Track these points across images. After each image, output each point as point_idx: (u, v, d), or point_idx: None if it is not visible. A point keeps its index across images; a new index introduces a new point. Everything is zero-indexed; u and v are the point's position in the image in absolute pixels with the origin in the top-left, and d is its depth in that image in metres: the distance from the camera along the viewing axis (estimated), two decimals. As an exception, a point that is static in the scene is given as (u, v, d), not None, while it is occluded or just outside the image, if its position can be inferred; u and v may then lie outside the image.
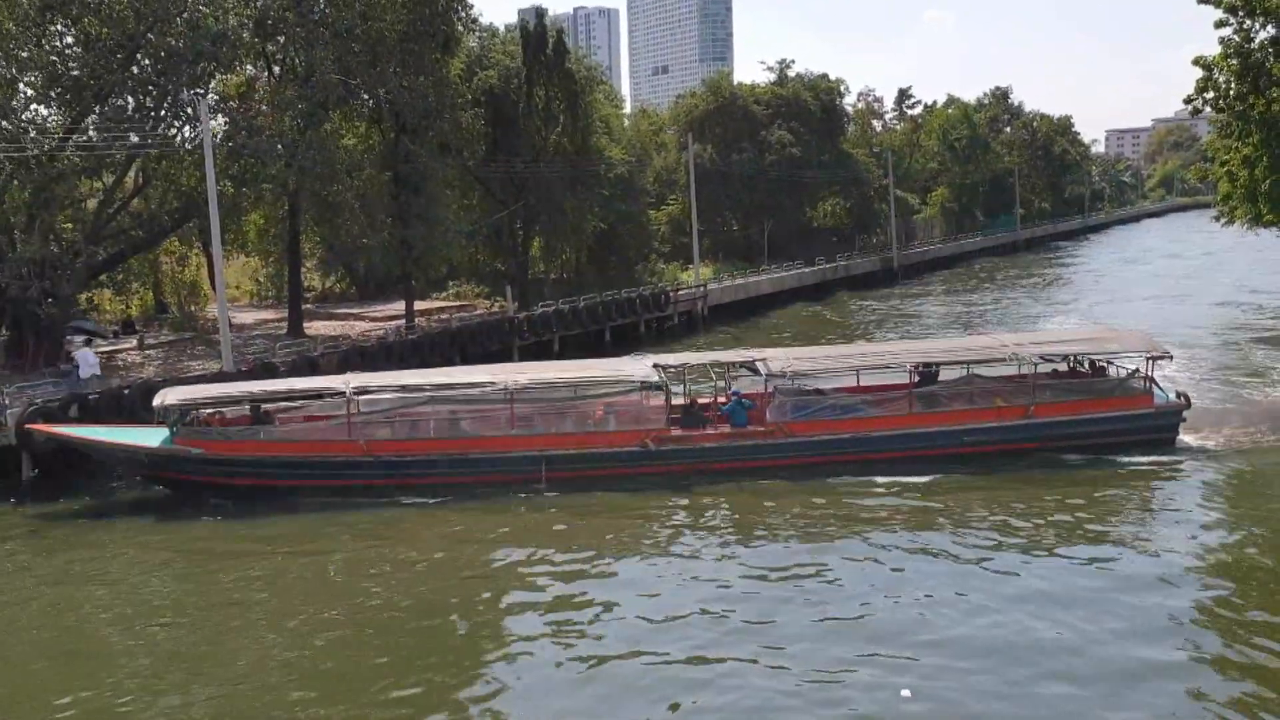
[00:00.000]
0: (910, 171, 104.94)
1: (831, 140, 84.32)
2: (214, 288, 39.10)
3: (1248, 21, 41.51)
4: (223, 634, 16.98)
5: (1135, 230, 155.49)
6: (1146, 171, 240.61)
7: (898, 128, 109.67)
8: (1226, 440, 25.71)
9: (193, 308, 48.17)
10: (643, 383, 25.45)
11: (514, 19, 63.60)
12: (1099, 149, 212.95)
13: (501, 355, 43.01)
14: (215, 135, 35.07)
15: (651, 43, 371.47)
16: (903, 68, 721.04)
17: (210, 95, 36.78)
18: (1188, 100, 45.41)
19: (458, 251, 47.74)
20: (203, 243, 43.84)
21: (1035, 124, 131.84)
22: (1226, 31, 42.06)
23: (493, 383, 25.43)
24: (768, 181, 76.85)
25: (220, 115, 37.26)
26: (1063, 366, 27.38)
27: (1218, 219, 54.79)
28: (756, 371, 26.24)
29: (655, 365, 26.35)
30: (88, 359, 31.41)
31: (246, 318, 48.71)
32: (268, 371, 32.99)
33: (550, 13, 61.50)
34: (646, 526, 21.63)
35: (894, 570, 18.37)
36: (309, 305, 51.37)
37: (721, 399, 26.64)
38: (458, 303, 54.56)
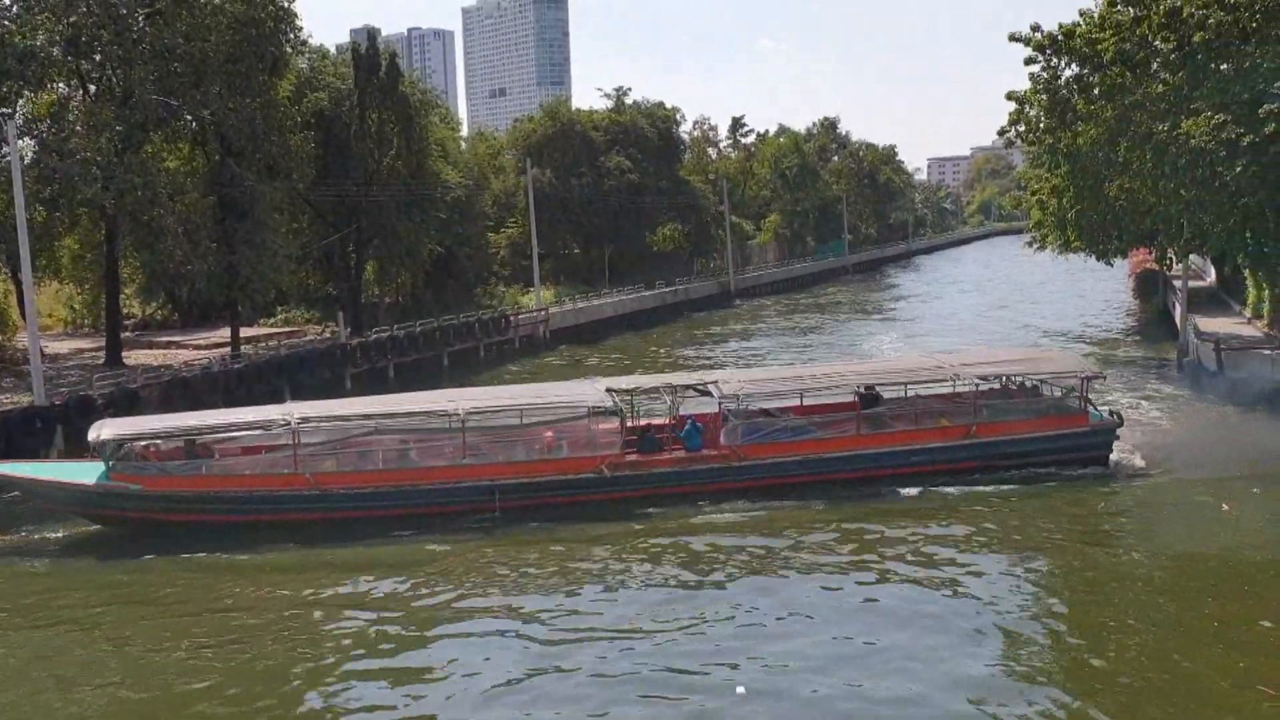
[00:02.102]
0: (744, 198, 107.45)
1: (669, 167, 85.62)
2: (24, 316, 37.01)
3: (1055, 59, 43.91)
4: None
5: (955, 254, 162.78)
6: (966, 198, 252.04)
7: (732, 156, 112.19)
8: (1154, 458, 26.60)
9: (1, 338, 45.45)
10: (595, 408, 24.93)
11: (346, 40, 62.49)
12: (921, 177, 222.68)
13: (333, 383, 42.09)
14: (24, 158, 33.25)
15: (488, 65, 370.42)
16: (737, 96, 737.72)
17: (18, 116, 34.87)
18: (1001, 132, 47.68)
19: (286, 276, 46.40)
20: (11, 269, 41.52)
21: (861, 153, 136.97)
22: (1036, 68, 44.42)
23: (442, 411, 24.79)
24: (607, 206, 77.45)
25: (29, 137, 35.37)
26: (997, 385, 28.04)
27: (1030, 244, 57.78)
28: (709, 394, 26.13)
29: (608, 390, 25.86)
30: None
31: (61, 347, 46.31)
32: (83, 405, 31.37)
33: (383, 34, 60.71)
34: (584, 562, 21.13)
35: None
36: (128, 334, 49.17)
37: (668, 421, 26.41)
38: (287, 329, 53.06)
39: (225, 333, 45.15)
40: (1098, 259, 53.17)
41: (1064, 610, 18.01)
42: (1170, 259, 49.35)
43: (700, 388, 26.92)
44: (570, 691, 15.04)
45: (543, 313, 60.24)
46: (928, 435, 25.98)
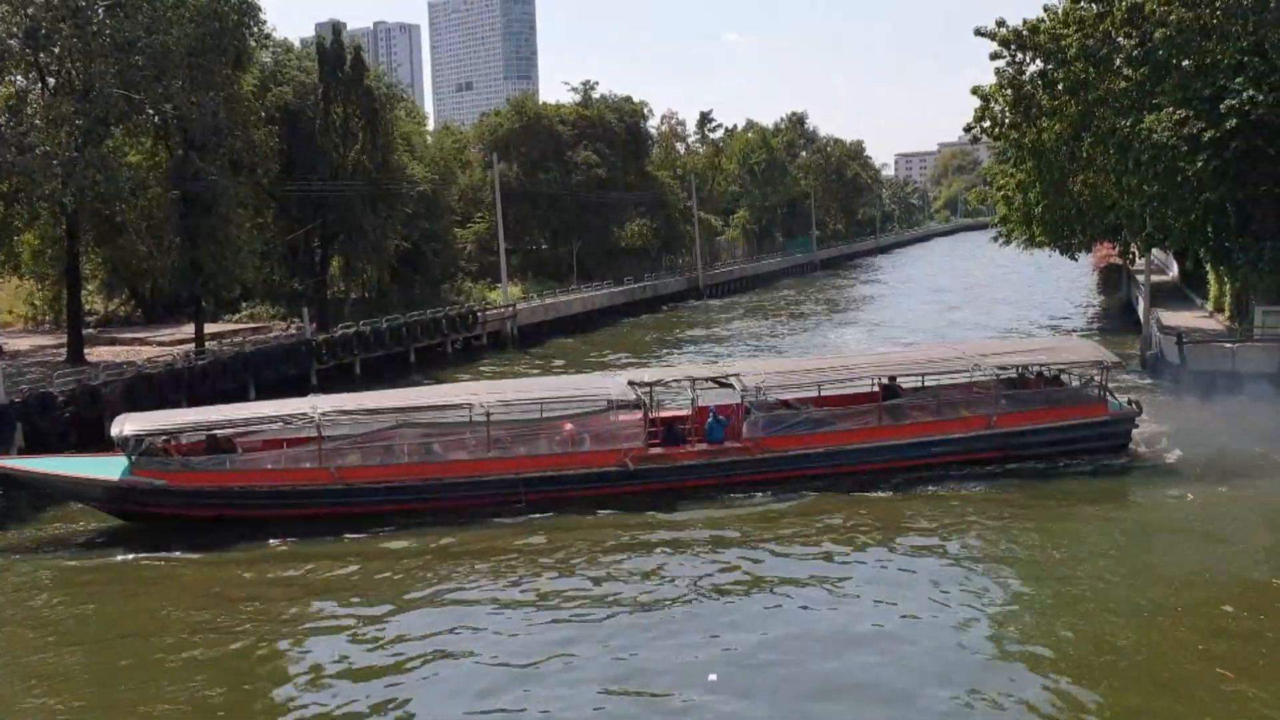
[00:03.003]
0: (713, 194, 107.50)
1: (637, 162, 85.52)
2: (-18, 313, 36.48)
3: (1020, 55, 44.20)
4: None
5: (922, 249, 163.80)
6: (933, 194, 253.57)
7: (700, 151, 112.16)
8: (1177, 448, 26.63)
9: (-40, 334, 44.86)
10: (619, 401, 24.93)
11: (311, 34, 61.96)
12: (889, 172, 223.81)
13: (299, 380, 41.76)
14: (-19, 151, 32.77)
15: (454, 59, 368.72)
16: (705, 91, 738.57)
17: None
18: (967, 128, 47.91)
19: (251, 272, 45.97)
20: (-31, 265, 40.92)
21: (829, 148, 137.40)
22: (1001, 63, 44.68)
23: (467, 404, 24.81)
24: (575, 201, 77.28)
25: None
26: (1015, 375, 28.08)
27: (996, 239, 58.20)
28: (730, 387, 26.08)
29: (631, 383, 25.85)
30: None
31: (21, 344, 45.69)
32: (44, 403, 30.95)
33: (349, 28, 60.30)
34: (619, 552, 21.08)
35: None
36: (90, 330, 48.60)
37: (685, 412, 26.36)
38: (252, 325, 52.63)
39: (189, 329, 44.69)
40: (1062, 253, 53.78)
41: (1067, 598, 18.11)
42: (1133, 254, 49.84)
43: (722, 380, 26.82)
44: (578, 681, 15.19)
45: (510, 309, 60.04)
46: (948, 426, 25.98)
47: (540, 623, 17.30)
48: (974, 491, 24.07)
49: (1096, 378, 27.16)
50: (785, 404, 26.31)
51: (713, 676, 15.13)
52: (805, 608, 17.60)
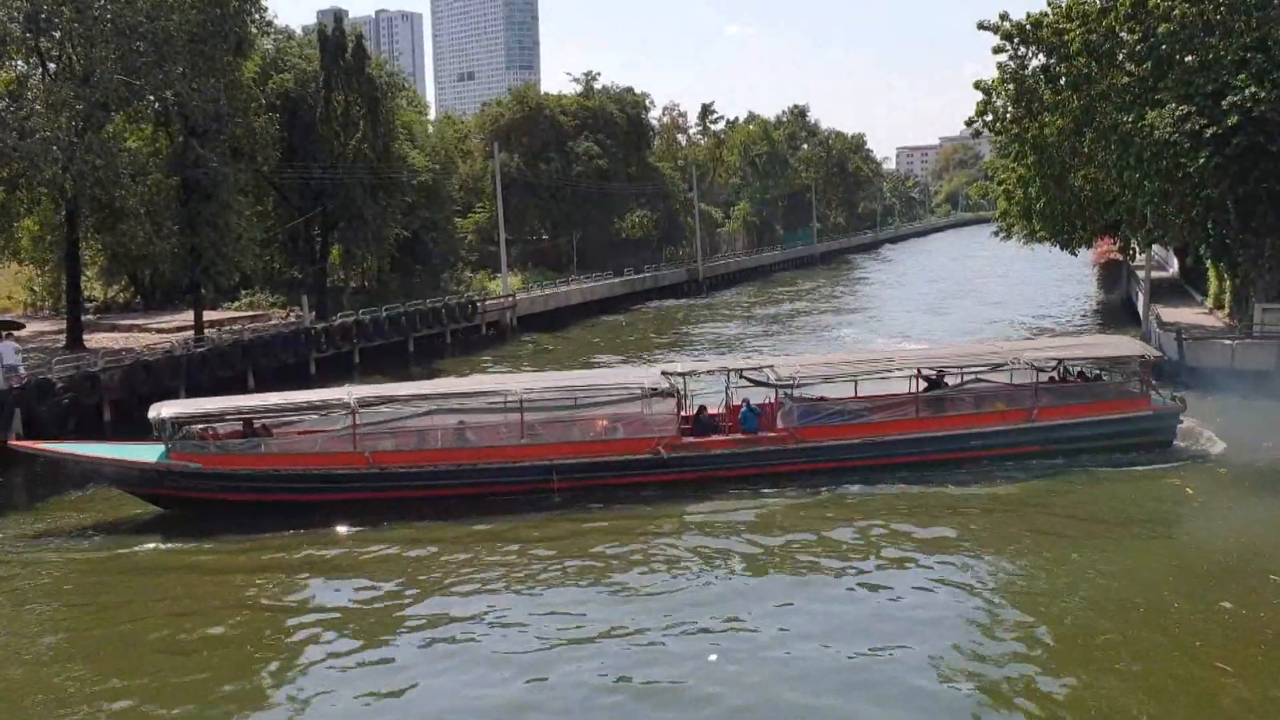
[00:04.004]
0: (714, 186, 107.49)
1: (638, 153, 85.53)
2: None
3: (1022, 49, 44.15)
4: None
5: (923, 243, 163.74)
6: (934, 188, 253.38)
7: (701, 142, 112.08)
8: (1224, 443, 26.31)
9: (-41, 319, 44.70)
10: (653, 389, 24.89)
11: (312, 21, 61.79)
12: (890, 166, 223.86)
13: (298, 368, 41.78)
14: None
15: (456, 48, 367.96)
16: (706, 84, 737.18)
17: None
18: (969, 122, 47.88)
19: (251, 260, 45.92)
20: (-31, 250, 40.85)
21: (831, 141, 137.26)
22: (1003, 57, 44.64)
23: (500, 392, 24.97)
24: (576, 192, 77.26)
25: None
26: (1056, 373, 27.67)
27: (997, 234, 58.14)
28: (764, 380, 25.98)
29: (664, 373, 25.91)
30: (8, 350, 31.35)
31: (20, 330, 45.54)
32: (42, 389, 30.94)
33: (350, 15, 60.25)
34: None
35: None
36: (90, 316, 48.54)
37: (721, 408, 26.25)
38: (251, 313, 52.58)
39: (189, 316, 44.63)
40: (1062, 249, 53.69)
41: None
42: (1134, 249, 49.82)
43: (754, 373, 26.63)
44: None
45: (510, 299, 60.01)
46: (988, 419, 25.79)
47: (562, 610, 17.30)
48: (1013, 486, 23.68)
49: (1138, 373, 26.78)
50: (823, 399, 26.35)
51: (713, 657, 15.26)
52: (833, 601, 17.51)
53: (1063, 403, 26.33)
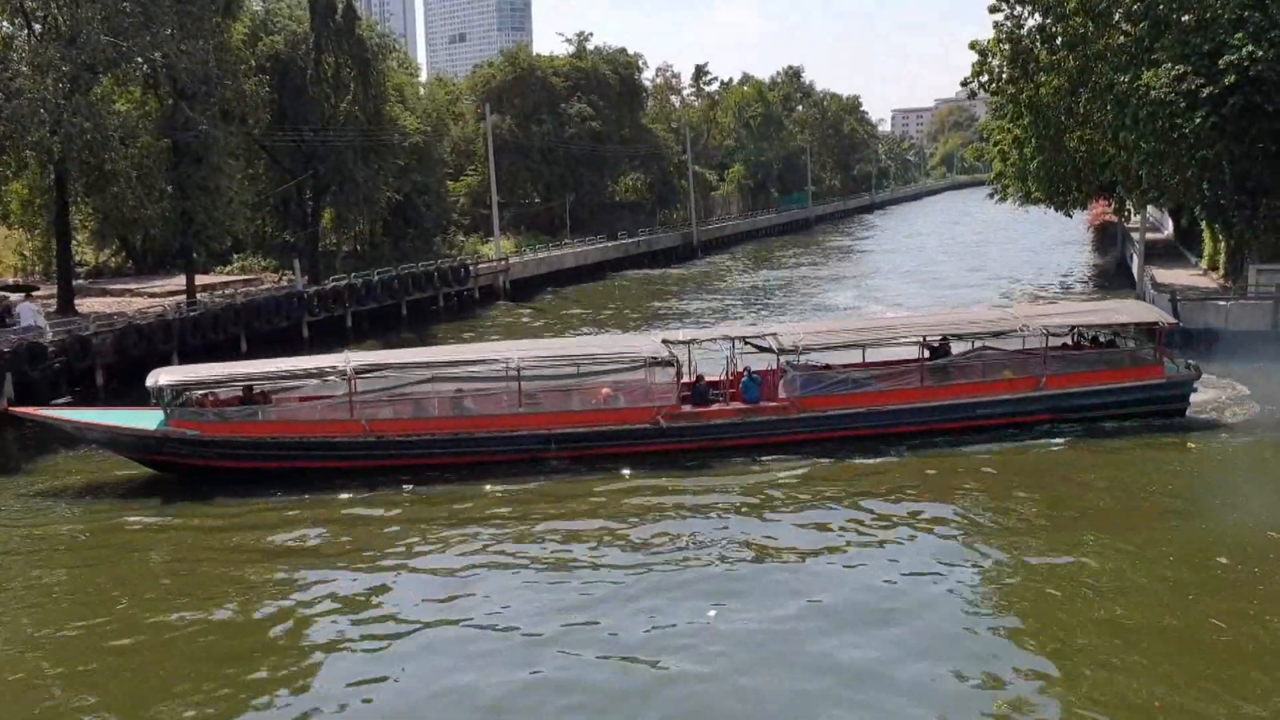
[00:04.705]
0: (708, 148, 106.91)
1: (631, 115, 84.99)
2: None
3: (1019, 9, 43.85)
4: None
5: (918, 206, 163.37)
6: (929, 150, 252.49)
7: (695, 104, 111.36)
8: (1237, 412, 25.77)
9: (-51, 284, 44.45)
10: (653, 358, 24.49)
11: (302, -18, 61.00)
12: (885, 128, 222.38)
13: (290, 332, 41.67)
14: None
15: (448, 10, 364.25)
16: (700, 44, 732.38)
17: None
18: (964, 83, 47.69)
19: (242, 223, 45.71)
20: (-43, 214, 40.58)
21: (826, 103, 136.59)
22: (999, 17, 44.35)
23: (498, 360, 24.64)
24: (568, 154, 76.85)
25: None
26: (1069, 339, 27.17)
27: (992, 196, 58.01)
28: (767, 348, 25.56)
29: (664, 341, 25.50)
30: (29, 311, 33.61)
31: (10, 294, 45.32)
32: (33, 353, 30.82)
33: (340, -23, 59.13)
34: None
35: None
36: (81, 281, 48.34)
37: (722, 376, 25.76)
38: (243, 277, 52.39)
39: (180, 281, 44.48)
40: (1057, 210, 53.61)
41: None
42: (1129, 211, 49.71)
43: (758, 340, 26.22)
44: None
45: (503, 262, 59.81)
46: (995, 387, 25.18)
47: (554, 581, 17.18)
48: (1020, 456, 23.23)
49: (1152, 340, 26.18)
50: (826, 368, 25.89)
51: (714, 638, 14.98)
52: (828, 572, 17.24)
53: (1072, 370, 25.75)
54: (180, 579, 18.05)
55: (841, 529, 19.19)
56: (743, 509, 20.55)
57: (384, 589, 17.15)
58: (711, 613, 15.50)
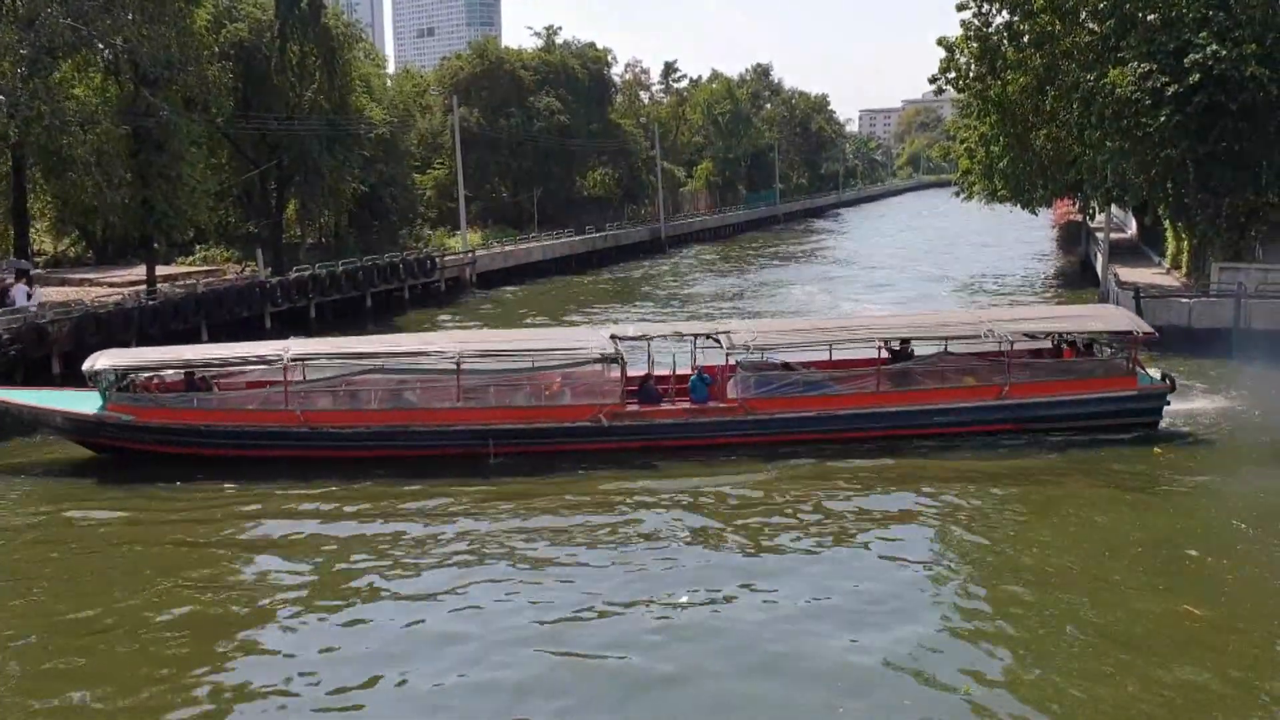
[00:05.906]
0: (676, 144, 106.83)
1: (600, 110, 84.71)
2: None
3: (986, 6, 44.05)
4: None
5: (885, 205, 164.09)
6: (896, 150, 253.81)
7: (664, 101, 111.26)
8: (1211, 424, 24.85)
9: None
10: (598, 354, 23.69)
11: (268, -30, 60.32)
12: (853, 128, 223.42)
13: (253, 322, 41.16)
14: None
15: (415, 4, 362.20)
16: (669, 42, 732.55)
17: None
18: (932, 79, 47.84)
19: (205, 213, 45.02)
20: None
21: (794, 101, 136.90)
22: (967, 14, 44.54)
23: (440, 351, 23.79)
24: (536, 149, 76.52)
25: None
26: (1047, 344, 26.23)
27: (957, 194, 58.26)
28: (719, 345, 24.49)
29: (612, 336, 24.43)
30: (23, 292, 34.30)
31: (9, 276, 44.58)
32: (-13, 340, 30.26)
33: (306, -34, 58.53)
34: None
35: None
36: (40, 270, 47.47)
37: (674, 372, 24.82)
38: (206, 268, 51.69)
39: (141, 271, 43.73)
40: (1023, 208, 53.95)
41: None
42: (1093, 210, 50.07)
43: (710, 336, 25.14)
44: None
45: (470, 255, 59.45)
46: (955, 394, 24.08)
47: (481, 579, 16.71)
48: (978, 465, 22.13)
49: (1125, 349, 24.78)
50: (786, 366, 24.75)
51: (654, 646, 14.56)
52: (763, 581, 16.52)
53: (1038, 379, 24.59)
54: (118, 568, 17.65)
55: (791, 530, 18.67)
56: (685, 509, 19.89)
57: (316, 595, 16.44)
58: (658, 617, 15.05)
